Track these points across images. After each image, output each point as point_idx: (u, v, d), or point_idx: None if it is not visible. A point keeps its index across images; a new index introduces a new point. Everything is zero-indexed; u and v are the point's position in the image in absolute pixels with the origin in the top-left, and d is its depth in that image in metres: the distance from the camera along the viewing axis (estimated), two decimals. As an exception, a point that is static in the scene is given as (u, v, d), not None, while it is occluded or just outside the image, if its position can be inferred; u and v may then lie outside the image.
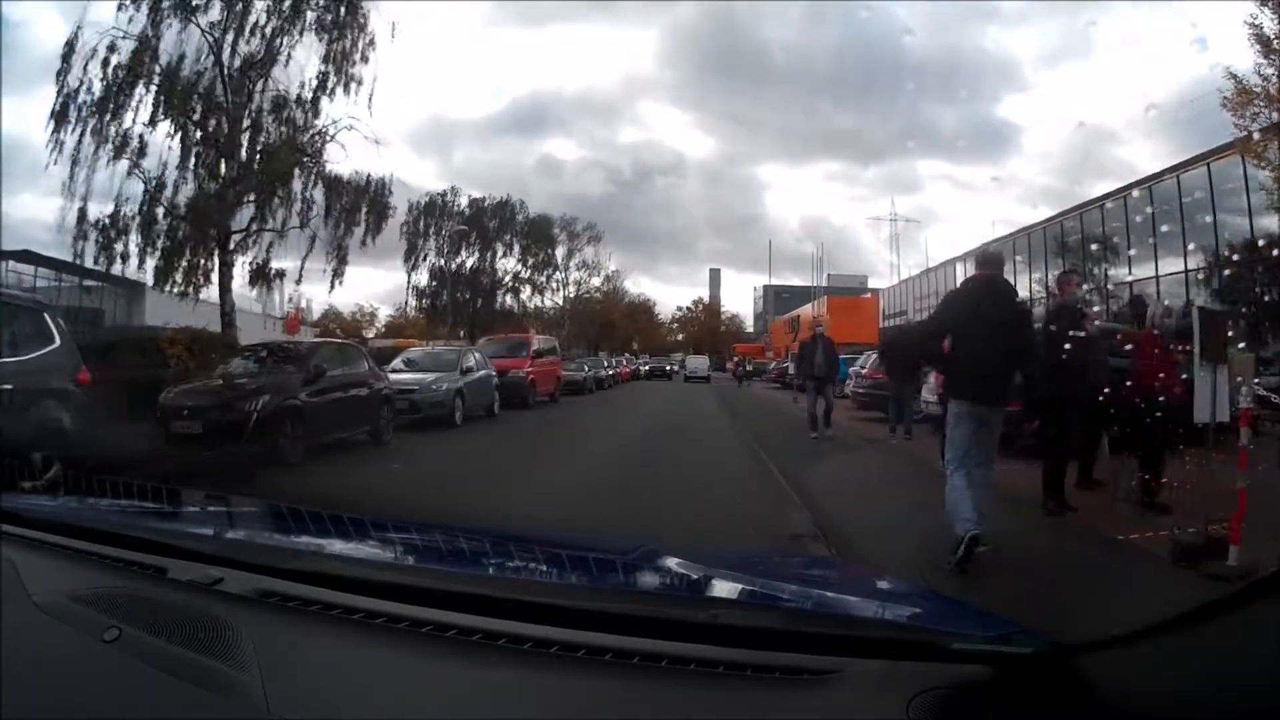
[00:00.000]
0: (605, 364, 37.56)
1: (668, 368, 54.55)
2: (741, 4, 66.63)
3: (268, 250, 20.34)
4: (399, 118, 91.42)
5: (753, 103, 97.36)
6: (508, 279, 49.50)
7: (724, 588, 1.60)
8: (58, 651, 1.26)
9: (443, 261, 47.04)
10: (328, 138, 20.42)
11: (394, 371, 14.72)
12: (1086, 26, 59.60)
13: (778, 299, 73.17)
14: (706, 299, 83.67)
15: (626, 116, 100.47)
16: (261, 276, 20.62)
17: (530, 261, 50.49)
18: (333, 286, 22.50)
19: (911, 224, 60.53)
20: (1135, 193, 25.08)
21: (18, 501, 1.79)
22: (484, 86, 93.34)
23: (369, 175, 21.67)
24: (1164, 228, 23.37)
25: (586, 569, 1.58)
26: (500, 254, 49.45)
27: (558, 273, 53.34)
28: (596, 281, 57.86)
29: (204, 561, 1.42)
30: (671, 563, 1.69)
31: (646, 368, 53.33)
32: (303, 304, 43.72)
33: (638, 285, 69.24)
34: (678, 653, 1.10)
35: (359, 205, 21.53)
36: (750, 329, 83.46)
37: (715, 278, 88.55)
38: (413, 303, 46.80)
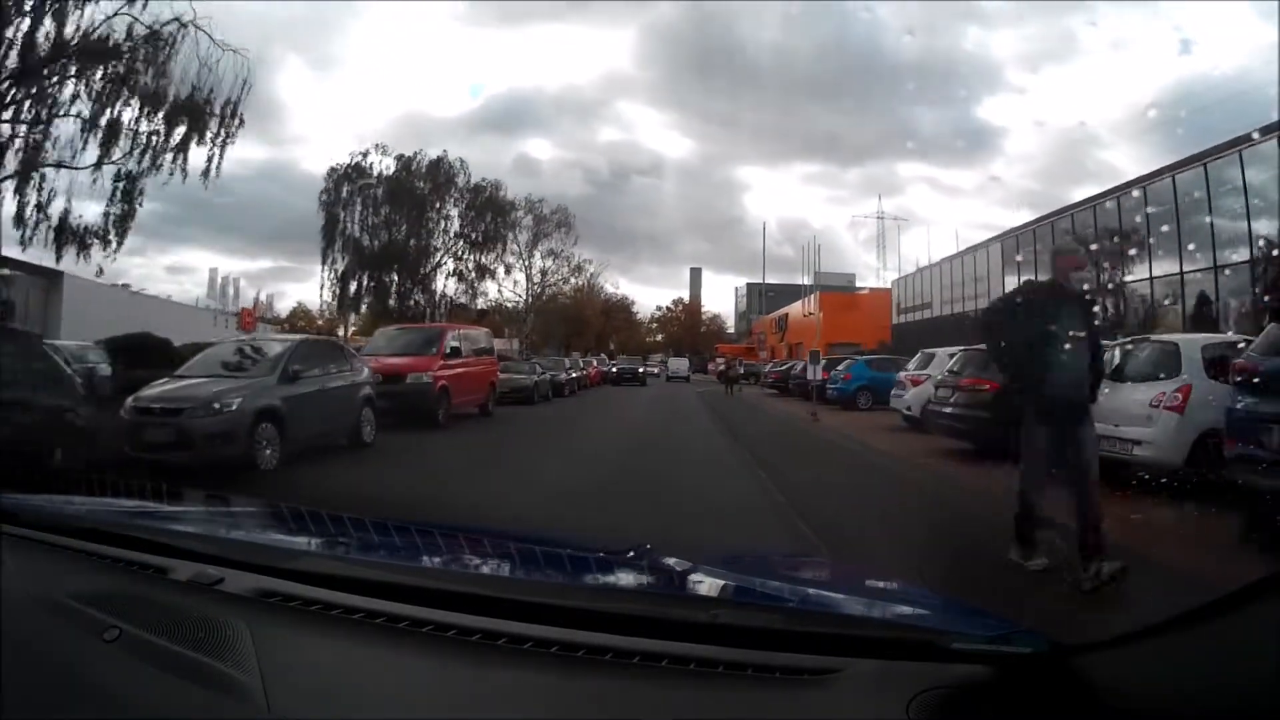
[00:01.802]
0: (569, 365, 30.80)
1: (640, 370, 44.00)
2: (721, 4, 66.33)
3: (44, 192, 14.65)
4: (374, 114, 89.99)
5: (732, 103, 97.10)
6: (443, 256, 39.28)
7: (724, 588, 1.60)
8: (58, 651, 1.26)
9: (365, 236, 37.77)
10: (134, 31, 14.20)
11: (173, 380, 9.21)
12: (1071, 29, 59.96)
13: (762, 298, 71.02)
14: (687, 299, 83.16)
15: (605, 116, 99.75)
16: (65, 236, 15.11)
17: (474, 236, 39.92)
18: (117, 240, 16.14)
19: (900, 222, 59.66)
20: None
21: (18, 501, 1.78)
22: (461, 85, 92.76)
23: (198, 84, 15.53)
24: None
25: (587, 569, 1.58)
26: (437, 227, 39.39)
27: (512, 254, 43.63)
28: (567, 272, 48.93)
29: (204, 561, 1.42)
30: (671, 563, 1.69)
31: (615, 369, 42.83)
32: (262, 298, 37.66)
33: (616, 287, 64.63)
34: (678, 653, 1.10)
35: (176, 124, 15.58)
36: (732, 329, 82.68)
37: (696, 277, 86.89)
38: (329, 286, 37.58)
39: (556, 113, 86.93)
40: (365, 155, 38.40)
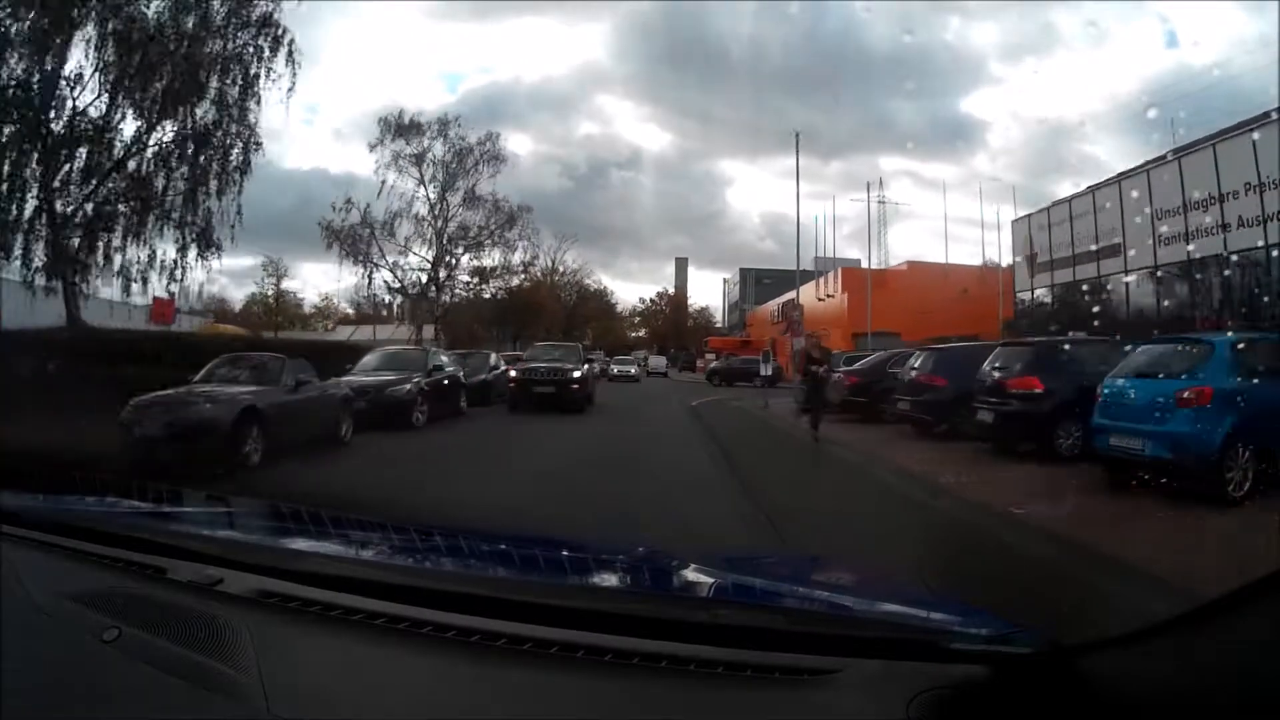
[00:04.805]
0: (441, 367, 15.29)
1: (577, 374, 17.72)
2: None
3: None
4: (351, 110, 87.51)
5: (710, 96, 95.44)
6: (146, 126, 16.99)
7: (724, 588, 1.60)
8: (58, 651, 1.26)
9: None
10: None
11: None
12: (1054, 21, 59.02)
13: (758, 285, 64.62)
14: (672, 291, 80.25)
15: (583, 110, 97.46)
16: None
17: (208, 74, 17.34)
18: None
19: (901, 206, 57.81)
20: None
21: (18, 501, 1.78)
22: (437, 80, 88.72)
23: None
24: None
25: (586, 569, 1.59)
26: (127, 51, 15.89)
27: (420, 201, 29.61)
28: (497, 226, 31.83)
29: (204, 562, 1.42)
30: (671, 563, 1.70)
31: (514, 375, 17.80)
32: (198, 288, 20.32)
33: (591, 274, 56.41)
34: (678, 653, 1.10)
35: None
36: (721, 323, 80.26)
37: (682, 267, 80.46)
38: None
39: (533, 107, 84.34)
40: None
